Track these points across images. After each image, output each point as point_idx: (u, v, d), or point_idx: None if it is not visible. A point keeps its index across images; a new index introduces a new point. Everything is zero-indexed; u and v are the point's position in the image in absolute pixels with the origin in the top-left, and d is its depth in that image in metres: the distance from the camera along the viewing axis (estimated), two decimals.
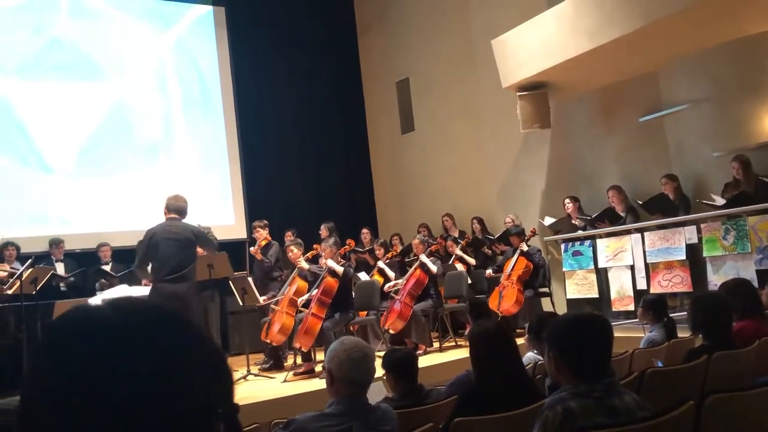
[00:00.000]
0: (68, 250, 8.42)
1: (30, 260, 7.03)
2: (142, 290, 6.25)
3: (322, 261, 7.12)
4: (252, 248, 7.73)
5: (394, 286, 7.77)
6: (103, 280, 7.93)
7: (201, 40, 10.44)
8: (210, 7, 10.57)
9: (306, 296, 6.80)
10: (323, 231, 8.43)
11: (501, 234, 8.58)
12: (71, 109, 9.20)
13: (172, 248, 5.51)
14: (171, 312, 0.72)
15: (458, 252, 8.62)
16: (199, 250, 7.96)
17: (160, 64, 10.04)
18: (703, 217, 6.68)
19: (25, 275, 6.70)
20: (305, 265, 7.03)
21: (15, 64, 8.99)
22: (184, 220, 5.73)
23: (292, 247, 7.20)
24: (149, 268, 5.70)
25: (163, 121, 9.96)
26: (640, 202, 7.31)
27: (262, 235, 7.78)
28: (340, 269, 6.81)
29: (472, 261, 8.67)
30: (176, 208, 5.66)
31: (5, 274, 6.92)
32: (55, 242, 8.25)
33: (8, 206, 8.69)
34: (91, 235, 8.72)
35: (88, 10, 9.55)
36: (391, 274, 8.24)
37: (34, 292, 6.84)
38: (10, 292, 6.78)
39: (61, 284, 7.97)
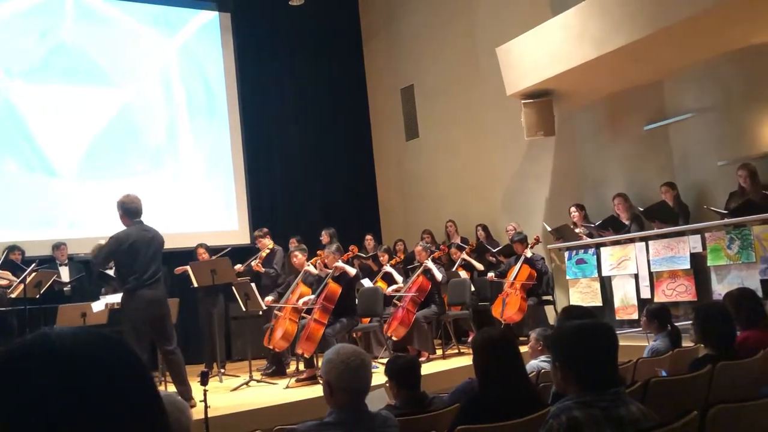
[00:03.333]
0: (74, 254, 8.44)
1: (33, 264, 7.04)
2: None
3: (322, 268, 7.12)
4: (254, 263, 7.71)
5: (397, 290, 7.77)
6: (107, 285, 7.93)
7: (206, 45, 10.49)
8: (216, 13, 10.62)
9: (310, 297, 6.81)
10: (324, 237, 8.45)
11: (504, 246, 8.57)
12: (77, 113, 9.24)
13: (150, 253, 5.36)
14: (116, 340, 0.72)
15: (465, 257, 8.61)
16: (205, 255, 8.00)
17: (166, 70, 10.08)
18: (708, 226, 6.66)
19: (28, 279, 6.71)
20: (313, 270, 7.03)
21: (21, 69, 9.04)
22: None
23: (297, 253, 7.22)
24: (119, 273, 5.58)
25: (168, 126, 9.99)
26: (641, 209, 7.30)
27: (265, 244, 7.78)
28: (352, 270, 6.81)
29: (479, 266, 8.65)
30: (137, 210, 5.40)
31: (6, 282, 6.91)
32: (57, 245, 8.26)
33: (15, 210, 8.72)
34: (97, 239, 8.66)
35: (94, 15, 9.60)
36: (398, 278, 8.21)
37: (38, 296, 6.85)
38: (14, 295, 6.79)
39: (65, 289, 7.98)
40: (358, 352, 2.46)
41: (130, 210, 5.37)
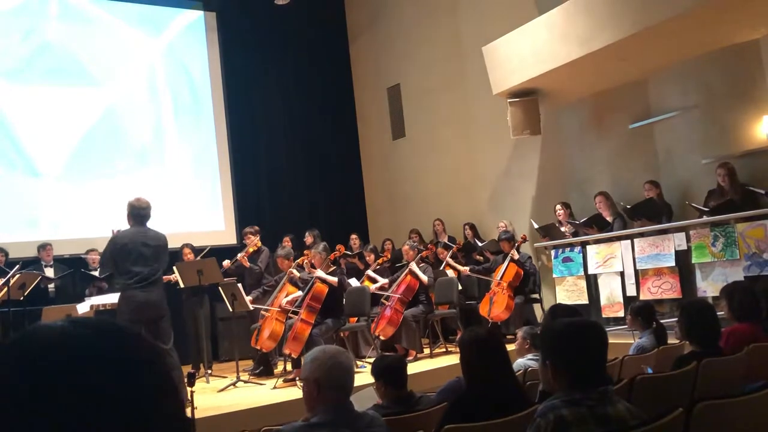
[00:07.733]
0: (58, 256, 8.36)
1: (17, 266, 6.97)
2: None
3: (309, 268, 7.10)
4: (239, 255, 7.70)
5: (381, 287, 7.77)
6: (91, 287, 7.87)
7: (192, 45, 10.43)
8: (201, 13, 10.56)
9: (297, 294, 6.80)
10: (308, 238, 8.44)
11: (490, 241, 8.59)
12: (61, 113, 9.16)
13: (145, 255, 5.34)
14: (123, 329, 0.70)
15: (449, 260, 8.61)
16: (191, 255, 7.95)
17: (151, 70, 10.01)
18: (692, 224, 6.71)
19: (12, 281, 6.64)
20: (297, 274, 7.02)
21: (4, 68, 8.94)
22: (149, 225, 5.57)
23: (283, 259, 7.20)
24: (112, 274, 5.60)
25: (154, 127, 9.92)
26: (628, 207, 7.34)
27: (253, 241, 7.76)
28: (333, 279, 6.77)
29: (463, 269, 8.66)
30: (143, 214, 5.47)
31: None
32: (43, 246, 8.19)
33: None
34: (82, 240, 8.66)
35: (78, 15, 9.52)
36: (382, 281, 8.20)
37: (21, 298, 6.77)
38: None
39: (49, 286, 7.89)
40: (342, 350, 2.47)
41: (133, 212, 5.44)
